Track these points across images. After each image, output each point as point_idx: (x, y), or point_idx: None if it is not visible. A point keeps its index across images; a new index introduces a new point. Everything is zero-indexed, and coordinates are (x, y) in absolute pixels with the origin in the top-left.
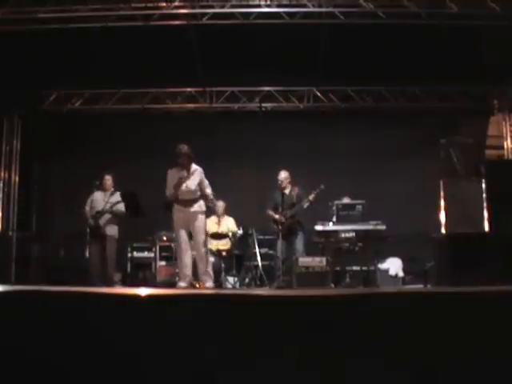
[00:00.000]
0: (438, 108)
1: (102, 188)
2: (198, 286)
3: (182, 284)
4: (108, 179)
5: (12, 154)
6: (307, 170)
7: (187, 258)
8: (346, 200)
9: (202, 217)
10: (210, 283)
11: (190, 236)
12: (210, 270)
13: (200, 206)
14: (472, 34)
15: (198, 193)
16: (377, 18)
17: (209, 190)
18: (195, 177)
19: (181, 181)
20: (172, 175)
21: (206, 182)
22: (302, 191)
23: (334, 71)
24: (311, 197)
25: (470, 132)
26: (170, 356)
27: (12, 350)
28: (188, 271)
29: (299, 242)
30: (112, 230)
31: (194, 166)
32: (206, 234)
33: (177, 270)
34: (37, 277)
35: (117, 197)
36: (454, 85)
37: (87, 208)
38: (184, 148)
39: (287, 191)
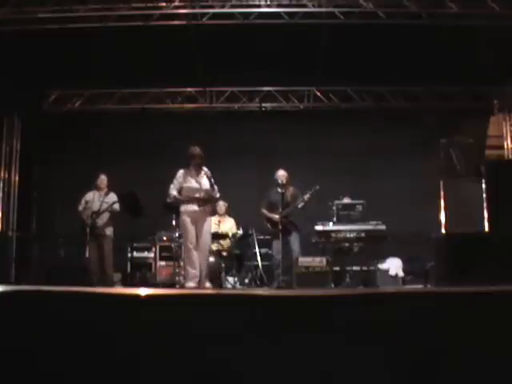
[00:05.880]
0: (437, 108)
1: (96, 188)
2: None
3: (191, 284)
4: (104, 179)
5: (12, 154)
6: (307, 170)
7: (195, 258)
8: (346, 200)
9: (209, 218)
10: (208, 283)
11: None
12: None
13: (208, 207)
14: (472, 33)
15: (208, 194)
16: (377, 18)
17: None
18: (205, 178)
19: (194, 181)
20: (183, 175)
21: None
22: (297, 191)
23: (334, 71)
24: (306, 197)
25: (469, 132)
26: (170, 356)
27: (12, 350)
28: (197, 271)
29: (295, 242)
30: (109, 230)
31: (204, 168)
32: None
33: (177, 270)
34: (37, 277)
35: (112, 197)
36: (454, 85)
37: (81, 208)
38: (197, 150)
39: (284, 190)
